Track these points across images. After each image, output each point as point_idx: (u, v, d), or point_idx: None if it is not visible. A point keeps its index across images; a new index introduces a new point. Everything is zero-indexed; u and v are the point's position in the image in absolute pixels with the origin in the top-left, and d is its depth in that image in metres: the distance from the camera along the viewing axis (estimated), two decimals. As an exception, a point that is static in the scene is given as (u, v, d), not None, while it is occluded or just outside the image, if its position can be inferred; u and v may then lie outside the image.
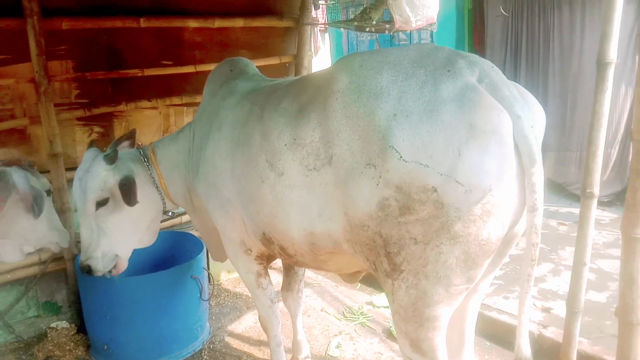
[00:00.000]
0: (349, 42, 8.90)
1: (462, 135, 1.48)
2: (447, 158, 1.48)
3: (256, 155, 2.03)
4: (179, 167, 2.61)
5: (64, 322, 3.49)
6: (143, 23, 3.50)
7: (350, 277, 2.33)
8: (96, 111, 3.50)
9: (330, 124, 1.75)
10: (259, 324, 3.46)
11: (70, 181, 3.35)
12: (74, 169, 3.33)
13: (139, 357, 2.94)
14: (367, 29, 3.79)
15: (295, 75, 4.28)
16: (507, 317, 3.18)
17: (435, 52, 1.70)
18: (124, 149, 2.62)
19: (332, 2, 5.98)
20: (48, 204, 2.82)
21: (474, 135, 1.47)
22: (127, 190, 2.41)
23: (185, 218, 3.86)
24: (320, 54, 8.96)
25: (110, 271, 2.60)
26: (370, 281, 3.98)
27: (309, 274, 4.16)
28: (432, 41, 6.70)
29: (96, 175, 2.44)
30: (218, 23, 3.84)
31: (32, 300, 3.41)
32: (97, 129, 3.56)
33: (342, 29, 7.92)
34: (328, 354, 3.08)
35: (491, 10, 6.25)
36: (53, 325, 3.45)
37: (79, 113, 3.45)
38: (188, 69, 3.77)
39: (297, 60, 4.35)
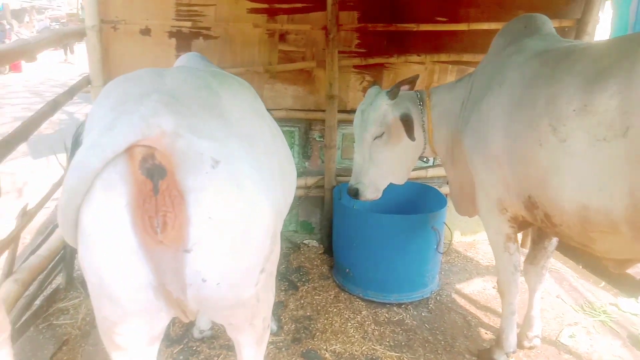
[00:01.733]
0: (638, 11, 7.55)
1: None
2: None
3: (538, 117, 1.96)
4: (449, 115, 2.69)
5: (315, 241, 4.05)
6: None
7: (617, 264, 2.11)
8: (371, 61, 3.81)
9: (632, 92, 1.59)
10: (487, 291, 3.46)
11: (340, 122, 3.77)
12: (344, 111, 3.76)
13: (374, 288, 3.22)
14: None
15: (574, 42, 3.88)
16: None
17: None
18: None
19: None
20: None
21: None
22: (409, 125, 2.63)
23: (431, 172, 3.98)
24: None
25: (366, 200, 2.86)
26: (617, 282, 3.56)
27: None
28: None
29: (378, 108, 2.69)
30: (499, -20, 3.71)
31: (294, 217, 4.02)
32: (368, 77, 3.87)
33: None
34: (559, 340, 2.89)
35: None
36: (306, 242, 4.05)
37: (357, 61, 3.80)
38: (461, 27, 3.75)
39: (579, 26, 3.93)
